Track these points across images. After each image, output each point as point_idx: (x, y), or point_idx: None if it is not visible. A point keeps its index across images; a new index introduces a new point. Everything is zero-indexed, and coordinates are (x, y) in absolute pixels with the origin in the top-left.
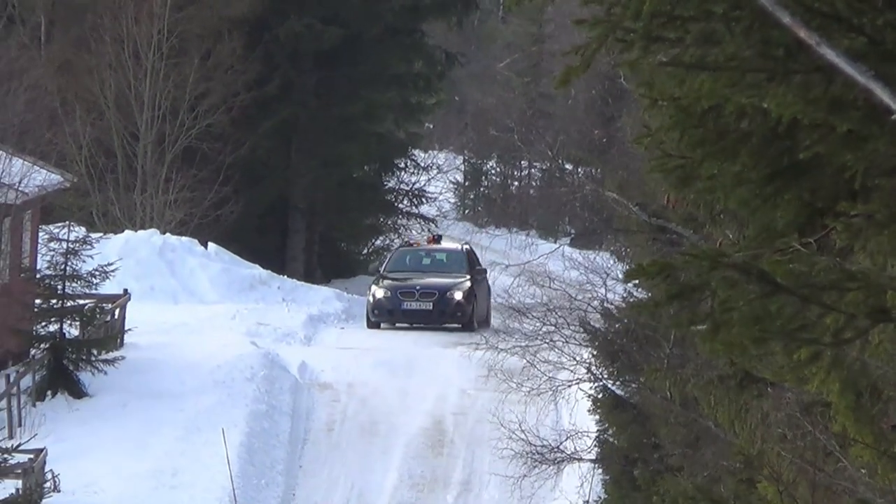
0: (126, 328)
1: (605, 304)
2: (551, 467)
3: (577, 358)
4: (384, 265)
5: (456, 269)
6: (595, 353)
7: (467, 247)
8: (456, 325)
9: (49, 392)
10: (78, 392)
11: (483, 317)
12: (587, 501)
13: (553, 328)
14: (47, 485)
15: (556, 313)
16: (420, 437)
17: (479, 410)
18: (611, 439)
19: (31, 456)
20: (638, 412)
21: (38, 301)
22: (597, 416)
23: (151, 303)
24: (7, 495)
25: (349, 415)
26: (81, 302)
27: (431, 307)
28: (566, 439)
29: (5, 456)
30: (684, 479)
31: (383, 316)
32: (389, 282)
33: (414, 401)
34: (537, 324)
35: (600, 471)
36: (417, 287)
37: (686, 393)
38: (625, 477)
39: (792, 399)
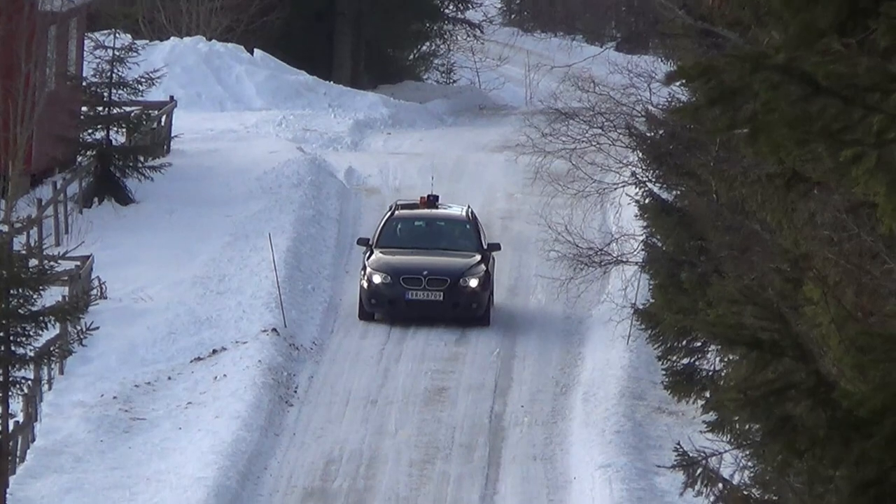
0: (172, 135)
1: (650, 109)
2: (597, 270)
3: (624, 161)
4: (375, 235)
5: (462, 243)
6: (641, 156)
7: (471, 211)
8: (469, 319)
9: (96, 199)
10: (124, 199)
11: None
12: (633, 304)
13: (599, 131)
14: (94, 292)
15: (603, 117)
16: None
17: (526, 213)
18: (657, 243)
19: (78, 263)
20: (684, 216)
21: (84, 109)
22: (643, 221)
23: (198, 110)
24: (54, 302)
25: None
26: (127, 109)
27: (442, 297)
28: (612, 242)
29: (52, 263)
30: (730, 282)
31: (382, 307)
32: (387, 262)
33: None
34: (584, 126)
35: (646, 274)
36: (425, 272)
37: (733, 196)
38: (671, 281)
39: (839, 200)
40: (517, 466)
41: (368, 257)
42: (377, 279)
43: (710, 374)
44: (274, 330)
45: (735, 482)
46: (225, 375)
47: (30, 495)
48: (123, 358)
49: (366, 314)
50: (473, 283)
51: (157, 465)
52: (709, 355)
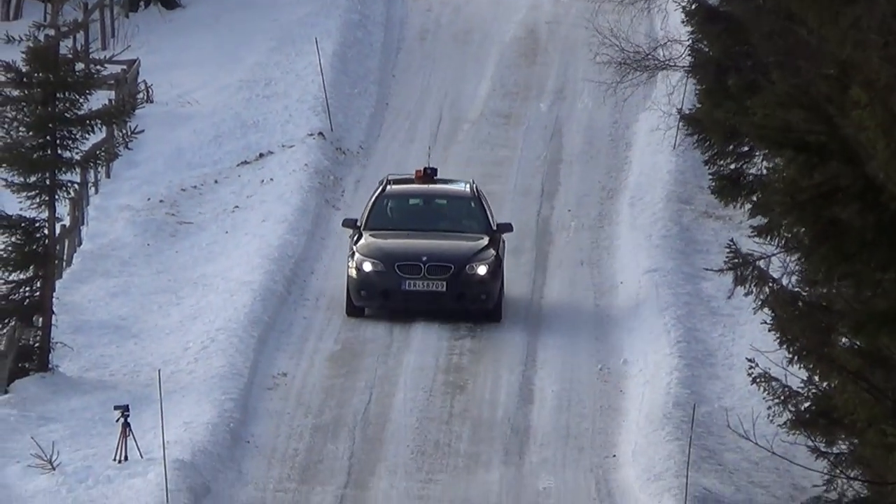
0: None
1: None
2: (644, 75)
3: None
4: (364, 215)
5: (467, 224)
6: None
7: (475, 186)
8: (477, 314)
9: (142, 3)
10: (170, 3)
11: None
12: (679, 109)
13: None
14: (140, 95)
15: None
16: (513, 45)
17: (573, 17)
18: (704, 48)
19: (124, 67)
20: (731, 21)
21: None
22: (690, 27)
23: None
24: (100, 106)
25: (443, 24)
26: None
27: (445, 287)
28: (659, 47)
29: (98, 67)
30: (778, 86)
31: (373, 299)
32: (379, 246)
33: (507, 10)
34: None
35: (693, 80)
36: (424, 258)
37: (779, 1)
38: (718, 86)
39: (885, 5)
40: (564, 271)
41: (356, 241)
42: (368, 267)
43: (758, 178)
44: (320, 134)
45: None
46: (271, 179)
47: (76, 299)
48: (170, 162)
49: (355, 309)
50: (482, 270)
51: (204, 269)
52: (756, 159)
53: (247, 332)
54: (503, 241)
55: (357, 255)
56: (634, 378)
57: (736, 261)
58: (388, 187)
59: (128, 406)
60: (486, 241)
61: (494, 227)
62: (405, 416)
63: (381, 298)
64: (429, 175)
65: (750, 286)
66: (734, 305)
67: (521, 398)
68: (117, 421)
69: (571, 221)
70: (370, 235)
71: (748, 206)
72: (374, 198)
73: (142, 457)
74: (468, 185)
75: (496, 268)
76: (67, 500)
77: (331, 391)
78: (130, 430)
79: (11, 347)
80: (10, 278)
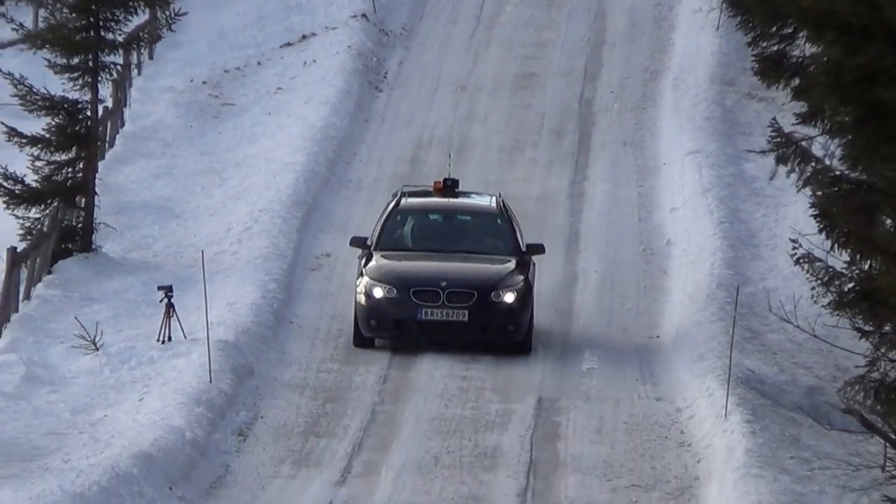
0: None
1: None
2: None
3: None
4: (375, 233)
5: (492, 244)
6: None
7: (502, 200)
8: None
9: None
10: None
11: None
12: None
13: None
14: None
15: None
16: None
17: None
18: None
19: None
20: None
21: None
22: None
23: None
24: None
25: None
26: None
27: (466, 317)
28: None
29: None
30: None
31: (385, 329)
32: (392, 269)
33: None
34: None
35: None
36: (443, 283)
37: None
38: None
39: None
40: (607, 152)
41: (366, 264)
42: (379, 293)
43: (801, 59)
44: (363, 15)
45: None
46: (314, 61)
47: (119, 180)
48: (213, 43)
49: (363, 340)
50: (509, 297)
51: (247, 151)
52: (799, 41)
53: (290, 212)
54: (533, 265)
55: (366, 279)
56: (678, 259)
57: (778, 141)
58: (404, 201)
59: (171, 287)
60: (513, 264)
61: (524, 248)
62: None
63: (394, 329)
64: (449, 187)
65: (792, 166)
66: (777, 186)
67: (565, 279)
68: (161, 301)
69: (614, 103)
70: (382, 257)
71: (791, 88)
72: (386, 213)
73: (185, 337)
74: (493, 199)
75: (525, 295)
76: (110, 381)
77: None
78: (174, 310)
79: (54, 228)
80: (53, 159)
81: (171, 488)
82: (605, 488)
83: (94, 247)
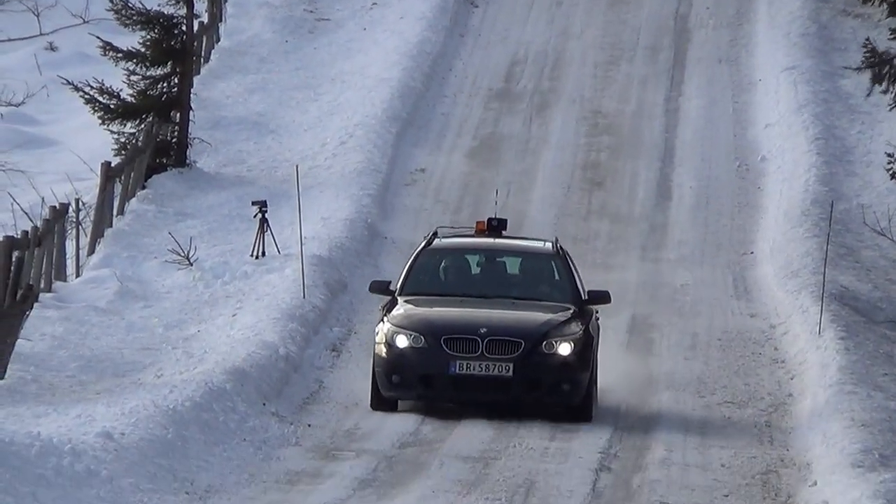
0: None
1: None
2: None
3: None
4: (402, 277)
5: (545, 290)
6: None
7: (560, 245)
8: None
9: None
10: None
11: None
12: None
13: None
14: None
15: None
16: None
17: None
18: None
19: None
20: None
21: None
22: None
23: None
24: None
25: None
26: None
27: (511, 371)
28: None
29: None
30: None
31: (410, 387)
32: (420, 315)
33: None
34: None
35: None
36: (483, 329)
37: None
38: None
39: None
40: (702, 68)
41: (389, 311)
42: (402, 342)
43: None
44: None
45: None
46: None
47: (214, 95)
48: None
49: (382, 401)
50: (564, 349)
51: (342, 66)
52: None
53: (385, 127)
54: (597, 317)
55: (387, 326)
56: (772, 175)
57: (873, 59)
58: (436, 241)
59: (265, 202)
60: (570, 312)
61: (584, 297)
62: (543, 213)
63: (421, 386)
64: (495, 228)
65: (888, 86)
66: (872, 103)
67: (660, 194)
68: (255, 216)
69: (710, 19)
70: (408, 302)
71: (886, 3)
72: (416, 254)
73: (279, 252)
74: (550, 243)
75: (585, 347)
76: (204, 296)
77: (468, 187)
78: (268, 225)
79: (149, 143)
80: (149, 74)
81: (264, 404)
82: (699, 405)
83: (188, 162)
